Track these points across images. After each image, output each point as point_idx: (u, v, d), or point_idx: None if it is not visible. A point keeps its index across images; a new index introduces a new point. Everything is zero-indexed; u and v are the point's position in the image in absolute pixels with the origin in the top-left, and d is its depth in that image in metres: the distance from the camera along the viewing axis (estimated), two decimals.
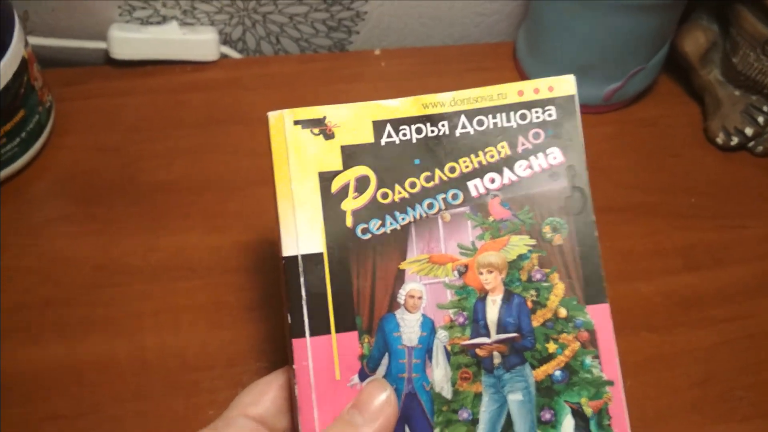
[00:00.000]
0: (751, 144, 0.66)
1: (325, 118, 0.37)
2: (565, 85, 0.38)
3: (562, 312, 0.37)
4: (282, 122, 0.37)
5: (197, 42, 0.67)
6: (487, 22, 0.74)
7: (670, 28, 0.64)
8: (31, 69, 0.57)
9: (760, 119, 0.64)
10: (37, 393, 0.49)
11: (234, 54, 0.71)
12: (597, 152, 0.65)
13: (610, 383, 0.37)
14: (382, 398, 0.34)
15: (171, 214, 0.58)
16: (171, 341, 0.52)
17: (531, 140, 0.38)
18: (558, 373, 0.37)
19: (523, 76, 0.69)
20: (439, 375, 0.36)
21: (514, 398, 0.36)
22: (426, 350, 0.36)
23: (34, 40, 0.64)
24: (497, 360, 0.37)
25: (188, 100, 0.65)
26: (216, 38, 0.68)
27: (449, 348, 0.36)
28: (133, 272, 0.55)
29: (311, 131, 0.37)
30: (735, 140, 0.65)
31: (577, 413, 0.37)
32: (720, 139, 0.66)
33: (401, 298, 0.36)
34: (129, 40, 0.65)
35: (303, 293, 0.36)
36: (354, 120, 0.37)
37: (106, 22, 0.67)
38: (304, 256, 0.36)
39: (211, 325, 0.53)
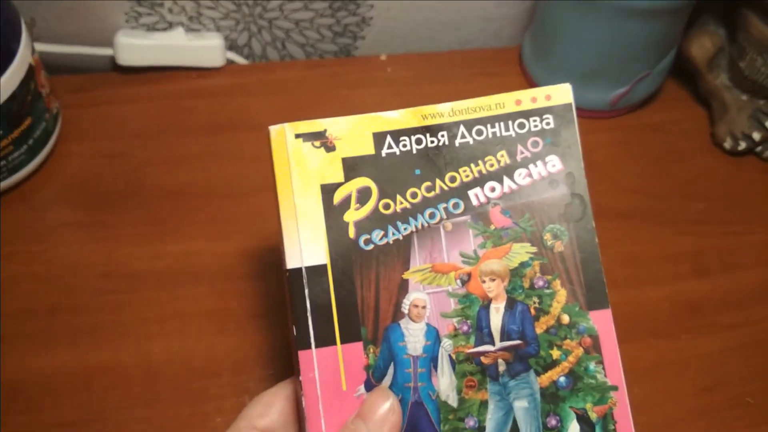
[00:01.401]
0: (758, 149, 0.66)
1: (326, 131, 0.37)
2: (562, 93, 0.38)
3: (565, 318, 0.37)
4: (283, 136, 0.37)
5: (203, 48, 0.67)
6: (492, 26, 0.74)
7: (677, 33, 0.64)
8: (38, 76, 0.57)
9: None
10: (45, 400, 0.49)
11: (240, 60, 0.71)
12: (604, 157, 0.65)
13: (615, 388, 0.37)
14: (385, 407, 0.35)
15: (177, 220, 0.58)
16: (177, 348, 0.52)
17: (530, 149, 0.38)
18: (562, 379, 0.37)
19: (529, 81, 0.69)
20: (445, 383, 0.36)
21: (520, 405, 0.37)
22: (431, 359, 0.36)
23: (40, 47, 0.64)
24: (502, 367, 0.37)
25: (194, 106, 0.66)
26: (222, 44, 0.68)
27: (454, 356, 0.36)
28: (140, 279, 0.55)
29: (312, 144, 0.37)
30: (742, 145, 0.65)
31: (583, 419, 0.37)
32: (727, 144, 0.66)
33: (405, 307, 0.36)
34: (135, 47, 0.66)
35: (307, 305, 0.36)
36: (354, 132, 0.37)
37: (113, 28, 0.67)
38: (307, 268, 0.36)
39: (217, 332, 0.53)
